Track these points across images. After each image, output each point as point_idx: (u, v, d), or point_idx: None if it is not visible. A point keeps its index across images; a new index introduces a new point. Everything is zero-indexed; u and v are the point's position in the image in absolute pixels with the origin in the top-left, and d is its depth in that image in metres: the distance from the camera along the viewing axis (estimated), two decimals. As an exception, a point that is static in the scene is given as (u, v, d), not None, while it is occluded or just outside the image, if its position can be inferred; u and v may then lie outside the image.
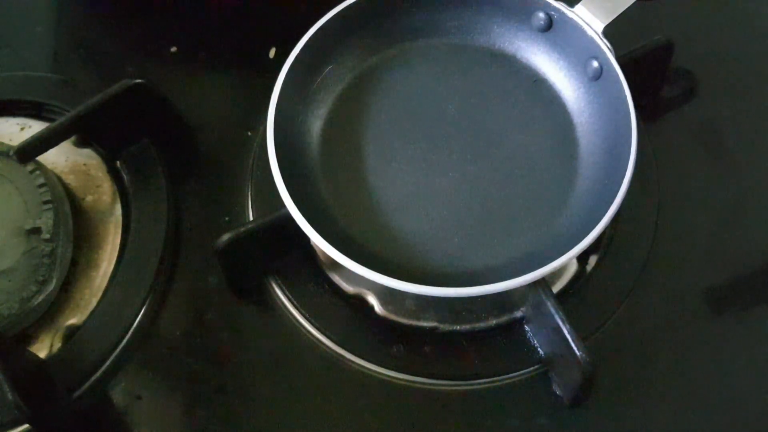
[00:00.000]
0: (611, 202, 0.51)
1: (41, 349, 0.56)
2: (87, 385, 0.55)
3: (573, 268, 0.58)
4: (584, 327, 0.54)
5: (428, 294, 0.49)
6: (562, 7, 0.58)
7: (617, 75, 0.55)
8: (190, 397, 0.55)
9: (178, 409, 0.55)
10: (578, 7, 0.57)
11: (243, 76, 0.68)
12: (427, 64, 0.62)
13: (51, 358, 0.55)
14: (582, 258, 0.58)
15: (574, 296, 0.57)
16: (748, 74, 0.67)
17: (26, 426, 0.53)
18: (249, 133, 0.64)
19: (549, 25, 0.59)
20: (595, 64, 0.57)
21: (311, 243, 0.54)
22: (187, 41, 0.69)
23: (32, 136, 0.58)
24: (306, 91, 0.59)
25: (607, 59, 0.56)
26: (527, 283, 0.50)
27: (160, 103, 0.63)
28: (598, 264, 0.58)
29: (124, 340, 0.56)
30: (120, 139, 0.62)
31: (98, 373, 0.55)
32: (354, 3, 0.59)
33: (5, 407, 0.49)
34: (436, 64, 0.62)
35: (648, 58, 0.61)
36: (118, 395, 0.55)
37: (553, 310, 0.51)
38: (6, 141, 0.61)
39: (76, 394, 0.54)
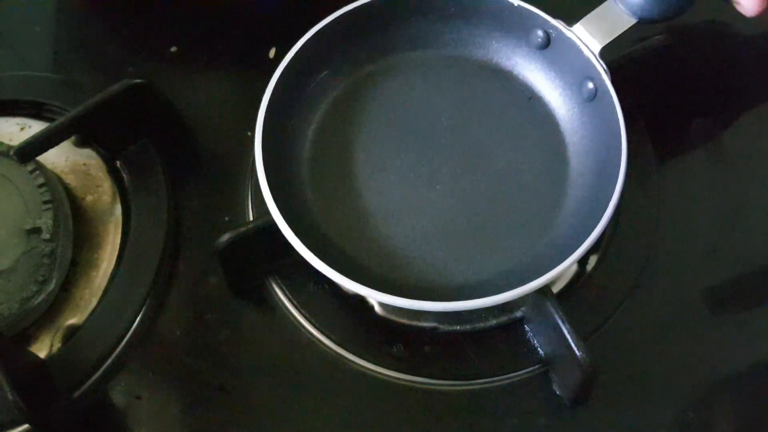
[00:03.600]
0: (595, 225, 0.51)
1: (41, 349, 0.56)
2: (87, 385, 0.55)
3: (573, 268, 0.58)
4: (584, 327, 0.54)
5: (409, 307, 0.50)
6: (561, 25, 0.58)
7: (611, 97, 0.55)
8: (190, 397, 0.55)
9: (178, 409, 0.55)
10: (576, 27, 0.57)
11: (243, 76, 0.68)
12: (423, 75, 0.62)
13: (51, 358, 0.55)
14: (582, 258, 0.58)
15: (574, 296, 0.57)
16: (749, 74, 0.67)
17: (26, 426, 0.53)
18: (249, 133, 0.64)
19: (547, 43, 0.59)
20: (590, 85, 0.57)
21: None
22: (187, 41, 0.69)
23: (32, 136, 0.58)
24: (299, 95, 0.59)
25: (602, 81, 0.56)
26: (520, 296, 0.50)
27: (160, 103, 0.63)
28: (598, 264, 0.58)
29: (124, 340, 0.56)
30: (120, 139, 0.62)
31: (98, 373, 0.55)
32: (352, 10, 0.59)
33: (5, 407, 0.49)
34: (432, 76, 0.62)
35: (648, 58, 0.61)
36: (118, 395, 0.55)
37: (553, 310, 0.51)
38: (6, 141, 0.60)
39: (76, 394, 0.54)
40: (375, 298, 0.50)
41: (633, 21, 0.56)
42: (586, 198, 0.56)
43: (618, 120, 0.54)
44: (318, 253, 0.51)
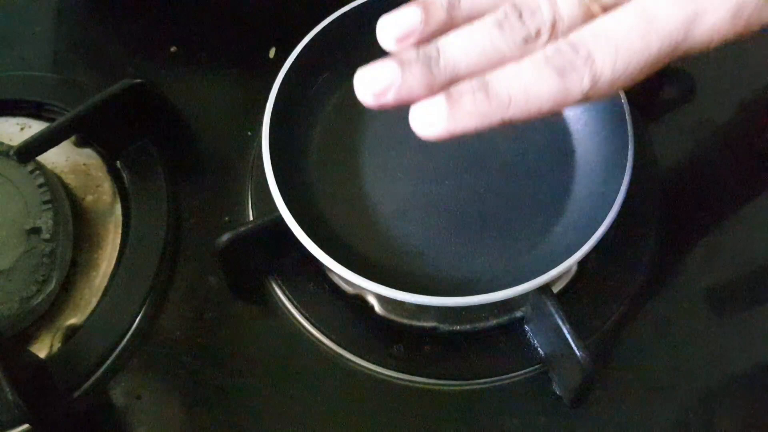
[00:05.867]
0: (609, 210, 0.51)
1: (41, 349, 0.56)
2: (87, 385, 0.55)
3: (573, 268, 0.58)
4: (584, 327, 0.54)
5: (425, 303, 0.50)
6: None
7: None
8: (190, 397, 0.55)
9: (178, 409, 0.55)
10: None
11: (243, 76, 0.68)
12: None
13: (51, 358, 0.55)
14: (582, 258, 0.58)
15: (574, 296, 0.57)
16: (748, 74, 0.67)
17: (26, 426, 0.53)
18: (249, 133, 0.64)
19: None
20: None
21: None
22: (187, 41, 0.69)
23: (32, 136, 0.58)
24: (302, 100, 0.59)
25: None
26: (524, 292, 0.50)
27: (160, 103, 0.63)
28: (598, 264, 0.58)
29: (124, 340, 0.56)
30: (120, 139, 0.62)
31: (98, 373, 0.55)
32: (349, 11, 0.59)
33: (5, 407, 0.49)
34: None
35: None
36: (118, 395, 0.55)
37: (553, 310, 0.51)
38: (6, 141, 0.60)
39: (76, 394, 0.54)
40: (392, 296, 0.49)
41: None
42: (595, 184, 0.56)
43: (622, 104, 0.54)
44: (325, 250, 0.51)
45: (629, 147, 0.53)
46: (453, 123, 0.39)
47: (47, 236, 0.56)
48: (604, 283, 0.57)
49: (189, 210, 0.61)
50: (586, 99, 0.38)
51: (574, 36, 0.38)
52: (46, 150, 0.59)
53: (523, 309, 0.55)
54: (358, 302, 0.57)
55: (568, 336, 0.50)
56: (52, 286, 0.56)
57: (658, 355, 0.56)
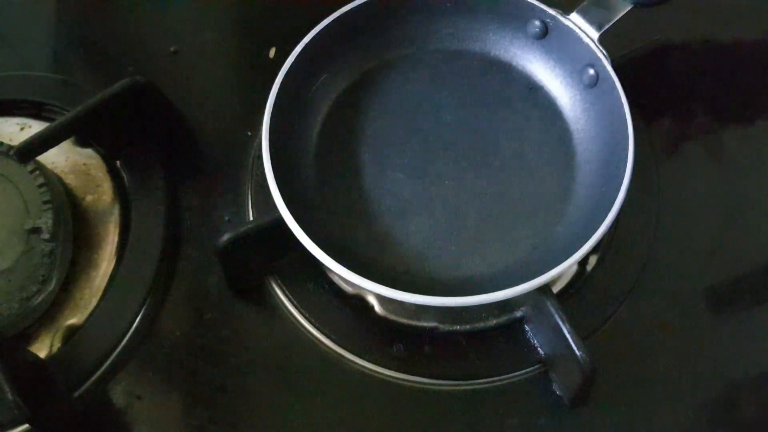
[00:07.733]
0: (609, 209, 0.51)
1: (41, 349, 0.56)
2: (87, 385, 0.55)
3: (573, 268, 0.58)
4: (584, 327, 0.55)
5: (423, 303, 0.50)
6: (558, 14, 0.58)
7: (613, 82, 0.55)
8: (190, 397, 0.55)
9: (178, 409, 0.55)
10: (573, 15, 0.57)
11: (243, 76, 0.68)
12: (423, 71, 0.62)
13: (51, 358, 0.55)
14: (582, 258, 0.58)
15: (574, 296, 0.57)
16: (748, 74, 0.67)
17: (26, 426, 0.53)
18: (249, 133, 0.64)
19: (544, 33, 0.59)
20: (591, 71, 0.57)
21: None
22: (187, 41, 0.69)
23: (32, 136, 0.58)
24: (302, 99, 0.59)
25: (603, 66, 0.56)
26: (524, 292, 0.50)
27: (160, 102, 0.63)
28: (598, 264, 0.58)
29: (124, 340, 0.56)
30: (120, 139, 0.62)
31: (98, 373, 0.55)
32: (348, 11, 0.59)
33: (5, 407, 0.49)
34: (432, 72, 0.62)
35: (648, 58, 0.61)
36: (118, 395, 0.55)
37: (553, 310, 0.51)
38: (6, 141, 0.60)
39: (76, 394, 0.54)
40: (391, 296, 0.49)
41: (629, 6, 0.57)
42: (595, 184, 0.56)
43: (622, 104, 0.54)
44: (325, 250, 0.51)
45: (629, 147, 0.53)
46: None
47: (47, 236, 0.56)
48: (604, 283, 0.57)
49: (189, 210, 0.61)
50: None
51: None
52: (46, 150, 0.59)
53: (523, 309, 0.55)
54: (358, 302, 0.57)
55: (568, 336, 0.50)
56: (52, 286, 0.56)
57: (657, 355, 0.56)
